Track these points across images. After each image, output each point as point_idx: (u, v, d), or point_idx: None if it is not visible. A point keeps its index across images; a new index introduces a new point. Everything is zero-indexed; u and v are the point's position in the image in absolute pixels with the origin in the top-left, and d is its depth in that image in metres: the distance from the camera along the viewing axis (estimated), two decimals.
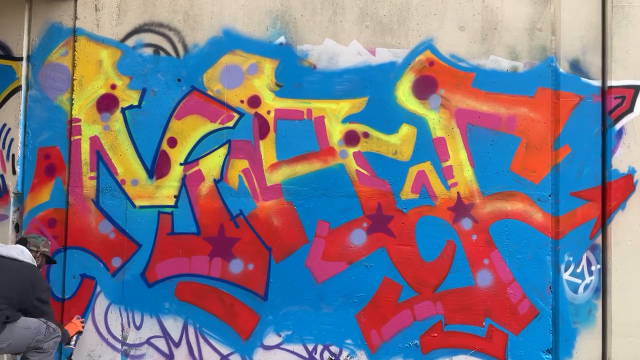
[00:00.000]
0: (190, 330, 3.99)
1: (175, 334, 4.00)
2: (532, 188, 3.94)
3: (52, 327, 3.53)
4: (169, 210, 4.01)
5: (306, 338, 3.96)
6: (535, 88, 3.97)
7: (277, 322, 3.96)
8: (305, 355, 3.96)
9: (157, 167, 4.03)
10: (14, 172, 4.08)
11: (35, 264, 3.59)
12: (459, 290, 3.94)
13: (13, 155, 4.08)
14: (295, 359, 3.96)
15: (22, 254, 3.54)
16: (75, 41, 4.09)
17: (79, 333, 3.84)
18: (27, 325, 3.44)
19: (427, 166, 3.97)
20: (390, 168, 3.97)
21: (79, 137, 4.06)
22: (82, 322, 3.89)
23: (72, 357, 3.98)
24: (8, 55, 4.12)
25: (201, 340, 3.98)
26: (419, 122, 3.98)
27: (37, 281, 3.53)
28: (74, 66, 4.07)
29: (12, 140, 4.09)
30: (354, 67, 4.01)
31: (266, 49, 4.03)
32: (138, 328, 4.01)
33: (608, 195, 3.93)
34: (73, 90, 4.07)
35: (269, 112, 4.01)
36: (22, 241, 3.68)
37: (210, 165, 4.01)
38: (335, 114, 3.99)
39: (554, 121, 3.96)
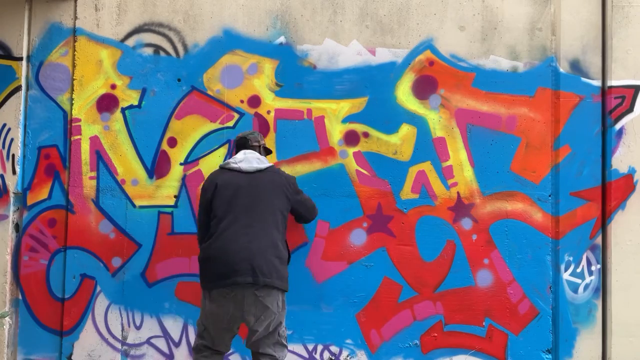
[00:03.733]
0: (191, 330, 3.99)
1: (175, 334, 4.00)
2: (532, 188, 3.95)
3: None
4: (169, 210, 4.01)
5: (306, 338, 3.96)
6: (535, 88, 3.97)
7: None
8: (305, 355, 3.96)
9: (157, 167, 4.03)
10: (14, 172, 4.08)
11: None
12: (459, 290, 3.94)
13: (13, 155, 4.08)
14: (295, 359, 3.95)
15: (260, 160, 3.39)
16: (75, 41, 4.09)
17: None
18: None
19: (427, 166, 3.97)
20: (390, 168, 3.97)
21: (79, 137, 4.06)
22: None
23: (72, 357, 3.99)
24: (8, 55, 4.12)
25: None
26: (419, 122, 3.98)
27: (287, 176, 3.46)
28: (74, 66, 4.07)
29: (12, 140, 4.09)
30: (354, 67, 4.01)
31: (266, 49, 4.03)
32: (138, 328, 4.01)
33: (608, 195, 3.94)
34: (73, 90, 4.07)
35: (269, 112, 4.01)
36: (243, 141, 3.51)
37: (211, 165, 4.00)
38: (335, 114, 3.99)
39: (554, 121, 3.96)
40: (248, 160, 3.37)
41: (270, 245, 3.20)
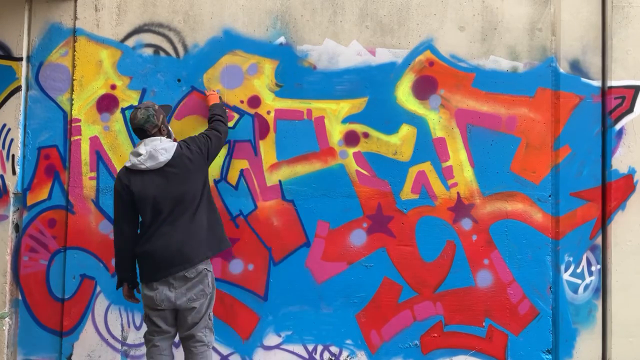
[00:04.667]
0: None
1: None
2: (532, 188, 3.95)
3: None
4: None
5: (306, 338, 3.96)
6: (535, 88, 3.97)
7: (277, 322, 3.96)
8: (305, 355, 3.96)
9: None
10: (14, 172, 4.08)
11: (174, 141, 3.42)
12: (459, 290, 3.94)
13: (13, 156, 4.08)
14: (295, 359, 3.96)
15: (165, 151, 3.29)
16: (75, 41, 4.09)
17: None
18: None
19: (427, 166, 3.97)
20: (390, 168, 3.97)
21: (79, 137, 4.06)
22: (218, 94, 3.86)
23: (72, 358, 3.99)
24: (8, 55, 4.12)
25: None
26: (419, 122, 3.98)
27: (190, 149, 3.38)
28: (74, 66, 4.07)
29: (12, 140, 4.09)
30: (354, 67, 4.01)
31: (266, 49, 4.03)
32: (138, 328, 4.01)
33: (608, 195, 3.94)
34: (73, 90, 4.07)
35: (269, 112, 4.01)
36: (139, 129, 3.33)
37: (210, 165, 4.00)
38: (335, 114, 3.99)
39: (554, 121, 3.96)
40: (152, 156, 3.27)
41: (197, 228, 3.31)
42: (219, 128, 3.65)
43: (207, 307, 3.39)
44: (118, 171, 3.48)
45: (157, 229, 3.30)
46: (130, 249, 3.35)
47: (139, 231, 3.40)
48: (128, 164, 3.34)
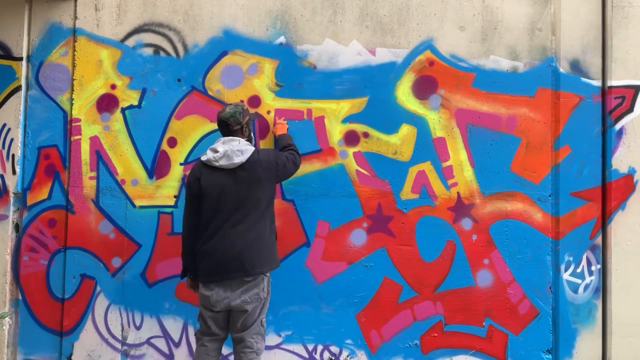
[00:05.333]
0: (190, 330, 3.99)
1: (175, 334, 4.00)
2: (532, 188, 3.95)
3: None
4: (169, 210, 4.01)
5: (306, 338, 3.96)
6: (535, 88, 3.97)
7: (277, 322, 3.96)
8: (305, 355, 3.95)
9: (157, 167, 4.03)
10: (14, 172, 4.08)
11: (251, 143, 3.46)
12: (459, 290, 3.94)
13: (13, 155, 4.08)
14: (295, 359, 3.96)
15: (241, 153, 3.32)
16: (75, 41, 4.09)
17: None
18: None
19: (427, 166, 3.97)
20: (390, 168, 3.97)
21: (79, 137, 4.06)
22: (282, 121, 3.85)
23: (72, 357, 3.99)
24: (8, 55, 4.12)
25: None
26: (419, 122, 3.98)
27: (268, 159, 3.39)
28: (74, 66, 4.07)
29: (12, 140, 4.09)
30: (354, 67, 4.01)
31: (266, 49, 4.03)
32: (138, 328, 4.01)
33: (608, 195, 3.94)
34: (73, 90, 4.07)
35: (269, 112, 4.01)
36: (224, 124, 3.40)
37: None
38: (335, 114, 3.99)
39: (554, 121, 3.96)
40: (228, 156, 3.30)
41: (256, 239, 3.31)
42: (297, 159, 3.62)
43: (259, 312, 3.37)
44: (194, 163, 3.51)
45: (218, 229, 3.30)
46: (194, 241, 3.39)
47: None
48: (204, 158, 3.38)
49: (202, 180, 3.34)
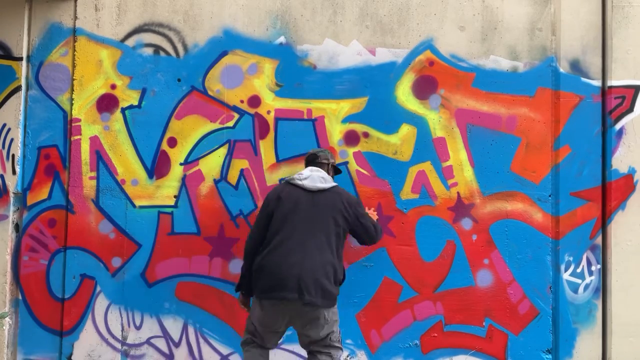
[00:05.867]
0: (190, 330, 3.99)
1: (175, 334, 4.00)
2: (532, 188, 3.95)
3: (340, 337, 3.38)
4: (169, 210, 4.01)
5: None
6: (535, 88, 3.97)
7: None
8: (306, 355, 3.95)
9: (157, 167, 4.03)
10: (14, 172, 4.08)
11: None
12: (459, 290, 3.94)
13: (13, 155, 4.08)
14: (296, 359, 3.95)
15: (324, 180, 3.37)
16: (75, 41, 4.09)
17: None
18: (337, 314, 3.31)
19: (427, 166, 3.97)
20: (390, 168, 3.97)
21: (79, 137, 4.06)
22: (373, 211, 3.76)
23: (72, 357, 3.99)
24: (8, 55, 4.12)
25: (201, 340, 3.97)
26: (419, 122, 3.98)
27: (349, 198, 3.39)
28: (74, 66, 4.07)
29: (12, 140, 4.08)
30: (354, 67, 4.01)
31: (266, 49, 4.03)
32: (138, 328, 4.01)
33: (608, 195, 3.93)
34: (73, 90, 4.07)
35: (269, 112, 4.01)
36: (312, 157, 3.53)
37: (210, 165, 4.01)
38: (335, 114, 3.99)
39: (554, 121, 3.96)
40: (312, 178, 3.36)
41: (320, 265, 3.20)
42: (380, 230, 3.54)
43: (326, 332, 3.28)
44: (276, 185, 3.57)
45: (281, 244, 3.23)
46: (253, 255, 3.33)
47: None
48: (288, 178, 3.45)
49: (282, 194, 3.34)
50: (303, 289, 3.13)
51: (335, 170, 3.62)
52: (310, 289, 3.14)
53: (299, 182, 3.35)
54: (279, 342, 3.47)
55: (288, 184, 3.40)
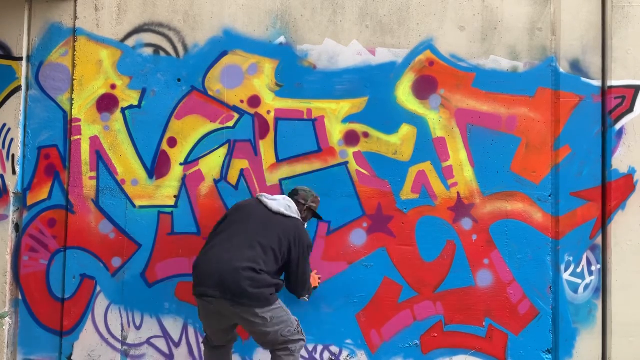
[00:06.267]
0: (190, 330, 3.99)
1: (175, 334, 4.00)
2: (532, 188, 3.95)
3: (300, 328, 3.39)
4: (169, 210, 4.01)
5: (306, 338, 3.94)
6: (535, 88, 3.97)
7: None
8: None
9: (157, 167, 4.03)
10: (14, 172, 4.08)
11: (300, 217, 3.53)
12: (459, 290, 3.94)
13: (13, 155, 4.08)
14: None
15: (289, 209, 3.46)
16: (75, 41, 4.09)
17: (314, 289, 3.79)
18: (286, 310, 3.34)
19: (427, 166, 3.97)
20: (390, 168, 3.97)
21: (79, 137, 4.06)
22: (318, 277, 3.85)
23: (72, 357, 3.99)
24: (8, 55, 4.12)
25: (201, 340, 3.97)
26: (419, 122, 3.98)
27: (303, 236, 3.44)
28: (74, 66, 4.07)
29: (12, 140, 4.08)
30: (354, 67, 4.01)
31: (266, 49, 4.03)
32: (138, 328, 4.01)
33: (608, 195, 3.93)
34: (73, 90, 4.07)
35: (269, 112, 4.01)
36: (293, 192, 3.65)
37: (210, 165, 4.01)
38: (335, 114, 3.99)
39: (554, 121, 3.96)
40: (279, 203, 3.47)
41: (248, 267, 3.17)
42: (306, 286, 3.57)
43: (273, 332, 3.27)
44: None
45: (218, 244, 3.31)
46: None
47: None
48: (258, 195, 3.56)
49: (243, 203, 3.54)
50: (225, 289, 3.14)
51: (313, 215, 3.68)
52: (233, 289, 3.13)
53: (265, 200, 3.46)
54: (231, 341, 3.54)
55: (255, 199, 3.54)
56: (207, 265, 3.25)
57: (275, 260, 3.31)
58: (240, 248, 3.23)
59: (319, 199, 3.74)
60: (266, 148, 4.01)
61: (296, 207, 3.53)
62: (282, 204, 3.47)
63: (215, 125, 4.02)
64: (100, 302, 4.02)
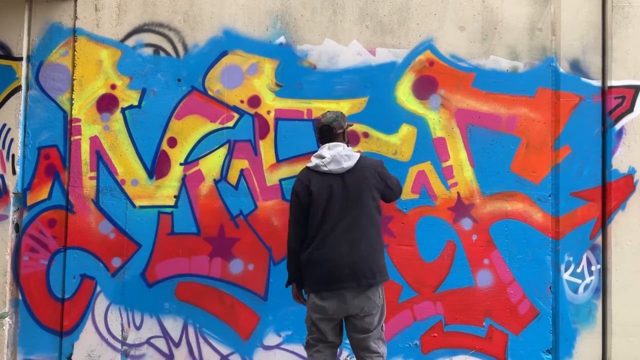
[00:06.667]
0: (190, 330, 3.99)
1: (175, 334, 4.00)
2: (532, 188, 3.95)
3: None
4: (169, 210, 4.01)
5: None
6: (535, 88, 3.97)
7: (277, 322, 3.96)
8: (305, 355, 3.95)
9: (157, 167, 4.03)
10: (14, 172, 4.08)
11: (348, 144, 3.34)
12: (459, 290, 3.94)
13: (13, 155, 4.08)
14: (295, 359, 3.95)
15: (349, 158, 3.22)
16: (75, 41, 4.09)
17: None
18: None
19: (427, 166, 3.97)
20: (390, 168, 3.95)
21: (79, 137, 4.06)
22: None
23: (72, 358, 3.99)
24: (8, 55, 4.12)
25: (201, 340, 3.97)
26: (419, 122, 3.98)
27: (375, 166, 3.27)
28: (74, 66, 4.07)
29: (12, 140, 4.08)
30: (354, 67, 4.01)
31: (266, 49, 4.03)
32: (138, 328, 4.01)
33: (608, 195, 3.93)
34: (73, 90, 4.07)
35: (269, 112, 4.01)
36: (326, 130, 3.29)
37: (210, 165, 4.01)
38: None
39: (554, 121, 3.96)
40: (336, 160, 3.21)
41: (370, 246, 3.18)
42: (399, 186, 3.45)
43: (379, 319, 3.23)
44: (299, 173, 3.37)
45: (328, 237, 3.17)
46: (300, 250, 3.25)
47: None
48: (310, 165, 3.28)
49: (311, 186, 3.22)
50: (359, 276, 3.12)
51: (347, 128, 3.42)
52: (367, 274, 3.13)
53: (325, 169, 3.23)
54: (340, 337, 3.35)
55: (312, 172, 3.27)
56: (333, 262, 3.14)
57: (378, 213, 3.25)
58: (354, 234, 3.16)
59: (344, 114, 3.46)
60: (266, 148, 4.01)
61: (345, 146, 3.30)
62: (339, 159, 3.21)
63: (215, 125, 4.02)
64: (100, 302, 4.02)
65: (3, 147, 4.09)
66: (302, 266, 3.25)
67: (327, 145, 3.28)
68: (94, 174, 4.04)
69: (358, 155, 3.26)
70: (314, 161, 3.26)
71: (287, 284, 3.38)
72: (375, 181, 3.24)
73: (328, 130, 3.29)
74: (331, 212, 3.19)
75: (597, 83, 3.98)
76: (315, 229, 3.21)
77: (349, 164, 3.21)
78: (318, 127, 3.34)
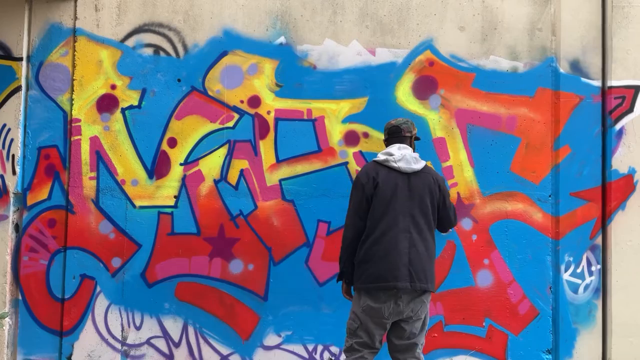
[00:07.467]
0: (190, 330, 3.99)
1: (175, 334, 4.00)
2: (532, 188, 3.95)
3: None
4: (169, 210, 4.01)
5: (306, 338, 3.95)
6: (535, 88, 3.97)
7: (277, 322, 3.96)
8: (305, 355, 3.95)
9: (157, 167, 4.03)
10: (14, 172, 4.08)
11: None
12: (459, 290, 3.94)
13: (13, 155, 4.08)
14: (295, 359, 3.95)
15: (417, 160, 3.23)
16: (75, 41, 4.08)
17: None
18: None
19: None
20: None
21: (79, 137, 4.06)
22: None
23: (72, 358, 3.99)
24: (8, 55, 4.11)
25: (201, 341, 3.97)
26: (419, 122, 3.98)
27: (438, 178, 3.28)
28: (74, 66, 4.07)
29: (12, 140, 4.08)
30: (354, 67, 4.01)
31: (266, 49, 4.03)
32: (138, 328, 4.01)
33: (608, 195, 3.94)
34: (73, 90, 4.07)
35: (269, 112, 4.01)
36: (395, 130, 3.33)
37: (210, 165, 4.01)
38: (335, 114, 3.99)
39: (554, 121, 3.96)
40: (406, 160, 3.21)
41: (426, 251, 3.17)
42: (454, 212, 3.41)
43: (424, 324, 3.22)
44: (364, 165, 3.37)
45: (389, 230, 3.13)
46: (357, 245, 3.20)
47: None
48: (378, 159, 3.26)
49: (378, 178, 3.18)
50: (414, 277, 3.09)
51: (414, 140, 3.45)
52: (421, 277, 3.11)
53: (394, 165, 3.21)
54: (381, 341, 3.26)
55: (379, 165, 3.24)
56: (391, 259, 3.10)
57: (434, 219, 3.24)
58: (414, 234, 3.15)
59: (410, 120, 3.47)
60: (266, 148, 4.01)
61: (412, 149, 3.31)
62: (409, 159, 3.22)
63: (215, 126, 4.02)
64: (100, 303, 4.02)
65: (3, 147, 4.09)
66: (357, 262, 3.20)
67: (396, 145, 3.29)
68: (94, 174, 4.04)
69: (425, 162, 3.28)
70: (382, 157, 3.26)
71: (338, 279, 3.32)
72: (436, 190, 3.24)
73: (397, 132, 3.33)
74: (394, 207, 3.15)
75: (597, 83, 3.98)
76: (376, 222, 3.16)
77: (417, 166, 3.22)
78: (387, 128, 3.40)
